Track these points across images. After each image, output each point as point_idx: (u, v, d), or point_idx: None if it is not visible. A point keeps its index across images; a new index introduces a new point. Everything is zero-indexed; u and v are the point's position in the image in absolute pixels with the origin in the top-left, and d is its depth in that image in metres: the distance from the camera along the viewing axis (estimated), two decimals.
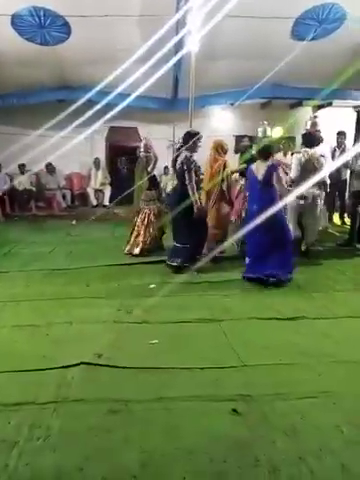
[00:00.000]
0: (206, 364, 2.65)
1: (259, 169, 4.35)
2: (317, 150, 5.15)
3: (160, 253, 5.31)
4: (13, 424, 2.06)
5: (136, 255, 5.36)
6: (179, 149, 4.73)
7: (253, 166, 4.44)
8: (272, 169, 4.31)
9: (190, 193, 4.46)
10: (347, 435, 1.99)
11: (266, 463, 1.80)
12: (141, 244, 5.41)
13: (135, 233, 5.49)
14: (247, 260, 4.48)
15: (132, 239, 5.50)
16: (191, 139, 4.55)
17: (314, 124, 5.98)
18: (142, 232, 5.44)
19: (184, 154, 4.53)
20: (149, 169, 5.51)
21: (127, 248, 5.51)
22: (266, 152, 4.40)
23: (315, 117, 6.24)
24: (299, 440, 1.96)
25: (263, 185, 4.29)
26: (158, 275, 4.58)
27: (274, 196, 4.30)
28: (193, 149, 4.56)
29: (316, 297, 3.96)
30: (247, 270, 4.42)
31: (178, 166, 4.59)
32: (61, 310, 3.57)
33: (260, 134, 6.02)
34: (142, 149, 5.65)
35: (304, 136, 5.30)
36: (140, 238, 5.44)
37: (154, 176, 5.75)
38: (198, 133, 4.63)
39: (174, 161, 4.61)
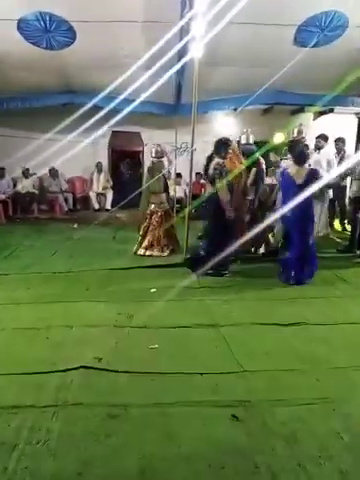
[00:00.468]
0: (206, 369, 2.65)
1: (298, 174, 4.49)
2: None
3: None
4: (13, 427, 2.06)
5: (155, 256, 5.60)
6: (210, 156, 4.92)
7: (289, 170, 4.60)
8: (315, 173, 4.51)
9: (221, 198, 4.57)
10: (346, 442, 1.99)
11: (265, 470, 1.80)
12: (157, 244, 5.69)
13: (151, 234, 5.73)
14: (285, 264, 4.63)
15: (146, 241, 5.71)
16: (223, 146, 4.74)
17: (300, 132, 5.97)
18: (157, 233, 5.70)
19: (216, 160, 4.71)
20: (164, 173, 5.88)
21: (141, 251, 5.70)
22: (304, 157, 4.58)
23: (301, 125, 6.26)
24: (298, 446, 1.95)
25: (303, 189, 4.37)
26: (159, 279, 4.58)
27: (311, 199, 4.49)
28: (224, 156, 4.73)
29: (316, 303, 3.96)
30: (296, 275, 4.53)
31: (211, 172, 4.72)
32: (61, 313, 3.57)
33: (243, 141, 6.09)
34: (154, 154, 5.94)
35: (291, 148, 5.03)
36: (155, 239, 5.71)
37: (166, 180, 5.98)
38: (229, 140, 4.83)
39: (206, 167, 4.70)
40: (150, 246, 5.70)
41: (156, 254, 5.64)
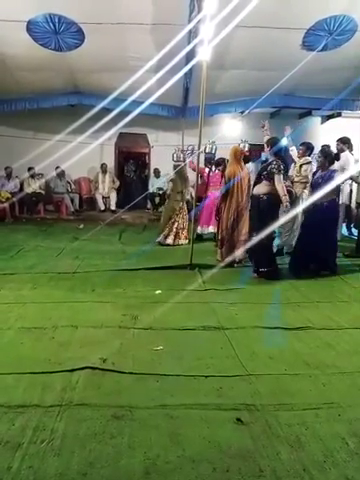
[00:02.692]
0: (210, 372, 2.64)
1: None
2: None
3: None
4: (17, 426, 2.07)
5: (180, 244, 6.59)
6: (265, 161, 5.17)
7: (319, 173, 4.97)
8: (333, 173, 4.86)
9: (280, 194, 4.63)
10: (352, 447, 1.97)
11: (270, 474, 1.79)
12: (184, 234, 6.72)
13: (180, 227, 6.71)
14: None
15: (174, 230, 6.67)
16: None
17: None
18: (185, 225, 6.76)
19: (273, 160, 4.82)
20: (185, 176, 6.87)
21: (169, 240, 6.62)
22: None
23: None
24: (303, 451, 1.94)
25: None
26: (164, 281, 4.59)
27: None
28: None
29: (321, 307, 3.95)
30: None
31: (269, 170, 4.77)
32: (67, 314, 3.58)
33: (207, 150, 6.78)
34: (175, 159, 6.85)
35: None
36: (184, 231, 6.72)
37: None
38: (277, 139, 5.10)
39: (265, 167, 4.82)
40: (176, 236, 6.65)
41: (182, 242, 6.64)
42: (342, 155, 6.30)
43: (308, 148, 6.03)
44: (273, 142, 4.94)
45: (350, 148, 6.44)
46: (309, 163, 5.91)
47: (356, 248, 5.92)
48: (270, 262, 4.86)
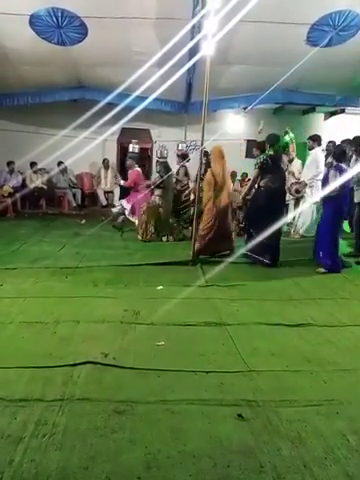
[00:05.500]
0: (212, 368, 2.65)
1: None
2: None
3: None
4: (19, 420, 2.08)
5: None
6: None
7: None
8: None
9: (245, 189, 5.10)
10: (352, 444, 1.98)
11: (271, 470, 1.79)
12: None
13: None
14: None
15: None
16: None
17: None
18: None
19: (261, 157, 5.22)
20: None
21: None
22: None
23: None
24: (304, 448, 1.95)
25: None
26: (166, 276, 4.59)
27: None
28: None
29: (322, 304, 3.95)
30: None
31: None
32: (68, 308, 3.59)
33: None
34: (159, 155, 7.00)
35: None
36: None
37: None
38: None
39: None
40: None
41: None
42: (312, 152, 6.49)
43: (314, 140, 6.50)
44: (271, 139, 5.33)
45: (320, 145, 6.83)
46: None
47: (355, 247, 5.89)
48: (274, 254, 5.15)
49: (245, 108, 8.93)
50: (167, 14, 5.43)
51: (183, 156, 7.09)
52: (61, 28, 5.93)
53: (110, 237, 6.78)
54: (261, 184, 5.14)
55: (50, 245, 6.00)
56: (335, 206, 4.89)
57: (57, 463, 1.80)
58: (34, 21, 5.77)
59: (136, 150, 7.69)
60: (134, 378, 2.51)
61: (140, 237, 6.60)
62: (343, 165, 4.90)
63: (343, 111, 9.34)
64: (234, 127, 9.54)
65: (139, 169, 7.45)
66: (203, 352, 2.87)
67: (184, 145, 7.67)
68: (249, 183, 5.28)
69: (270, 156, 5.16)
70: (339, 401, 2.34)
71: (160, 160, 7.00)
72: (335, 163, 4.92)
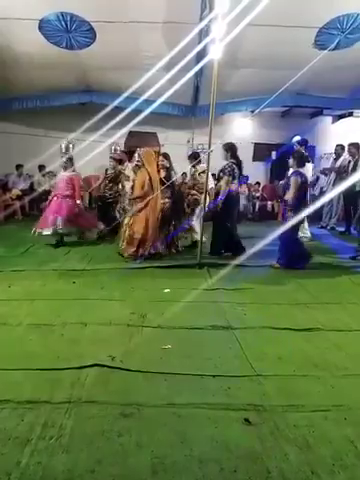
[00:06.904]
0: (218, 372, 2.64)
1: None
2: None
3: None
4: (26, 422, 2.09)
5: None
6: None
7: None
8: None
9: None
10: None
11: (277, 475, 1.78)
12: None
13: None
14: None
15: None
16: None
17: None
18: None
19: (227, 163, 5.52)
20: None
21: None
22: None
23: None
24: (311, 453, 1.93)
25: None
26: (173, 280, 4.59)
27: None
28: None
29: (330, 309, 3.91)
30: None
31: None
32: (76, 311, 3.60)
33: (63, 150, 7.23)
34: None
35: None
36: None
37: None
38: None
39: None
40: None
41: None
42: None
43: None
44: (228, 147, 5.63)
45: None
46: None
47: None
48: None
49: (253, 111, 8.95)
50: (175, 18, 5.46)
51: (194, 156, 6.92)
52: (70, 32, 5.99)
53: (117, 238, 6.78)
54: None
55: (58, 247, 6.02)
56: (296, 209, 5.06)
57: (64, 466, 1.80)
58: (43, 25, 5.84)
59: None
60: (141, 381, 2.51)
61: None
62: (301, 170, 5.16)
63: (351, 114, 9.30)
64: (242, 130, 9.54)
65: None
66: (210, 356, 2.86)
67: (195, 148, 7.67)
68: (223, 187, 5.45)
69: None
70: (347, 406, 2.32)
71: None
72: (295, 168, 5.16)
